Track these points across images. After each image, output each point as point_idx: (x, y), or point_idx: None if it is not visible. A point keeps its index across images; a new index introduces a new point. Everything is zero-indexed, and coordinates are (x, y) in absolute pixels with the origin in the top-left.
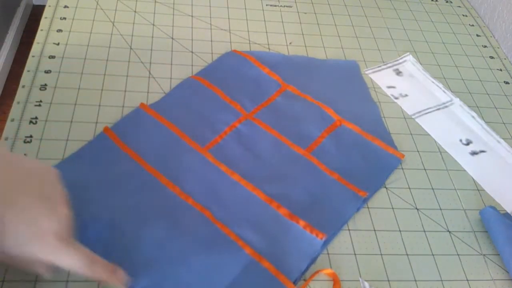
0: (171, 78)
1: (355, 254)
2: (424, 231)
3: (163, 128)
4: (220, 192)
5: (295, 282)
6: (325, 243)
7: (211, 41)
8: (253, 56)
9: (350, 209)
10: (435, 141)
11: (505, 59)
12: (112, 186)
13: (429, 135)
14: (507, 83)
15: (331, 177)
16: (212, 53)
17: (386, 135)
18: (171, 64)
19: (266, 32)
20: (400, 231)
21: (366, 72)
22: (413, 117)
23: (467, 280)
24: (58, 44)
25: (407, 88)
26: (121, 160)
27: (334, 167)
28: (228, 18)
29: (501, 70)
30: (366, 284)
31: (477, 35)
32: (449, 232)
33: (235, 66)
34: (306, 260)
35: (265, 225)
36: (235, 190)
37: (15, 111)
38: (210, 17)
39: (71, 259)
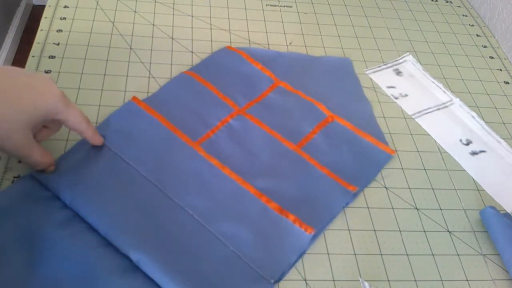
0: (171, 78)
1: (355, 254)
2: (424, 231)
3: (155, 121)
4: (210, 186)
5: (282, 275)
6: (314, 237)
7: (211, 41)
8: (246, 52)
9: (339, 203)
10: (435, 141)
11: (505, 59)
12: (102, 184)
13: (429, 135)
14: (507, 83)
15: (321, 172)
16: (212, 53)
17: (377, 131)
18: (171, 64)
19: (266, 32)
20: (400, 231)
21: (366, 72)
22: (413, 117)
23: (467, 280)
24: (58, 44)
25: (407, 88)
26: (109, 156)
27: (325, 162)
28: (228, 18)
29: (501, 70)
30: (366, 284)
31: (477, 35)
32: (449, 232)
33: (228, 62)
34: (294, 254)
35: (254, 219)
36: (225, 184)
37: None
38: (210, 17)
39: (77, 114)
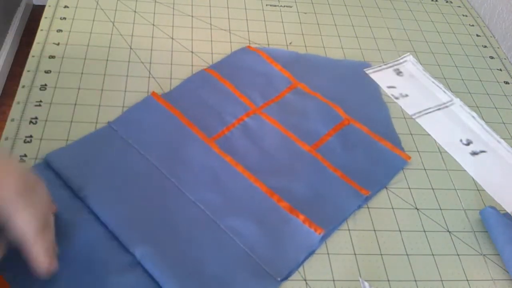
0: (171, 78)
1: (355, 254)
2: (424, 231)
3: (172, 116)
4: (222, 182)
5: (289, 274)
6: (323, 238)
7: (211, 41)
8: (266, 53)
9: (351, 206)
10: (435, 141)
11: (505, 59)
12: (114, 175)
13: (429, 135)
14: (507, 83)
15: (334, 174)
16: (212, 53)
17: (394, 137)
18: (171, 64)
19: (266, 32)
20: (400, 231)
21: (367, 72)
22: (413, 117)
23: (467, 280)
24: (58, 44)
25: (408, 88)
26: (124, 148)
27: (339, 165)
28: (228, 18)
29: (501, 70)
30: (366, 284)
31: (477, 35)
32: (449, 232)
33: (248, 62)
34: (303, 253)
35: (264, 217)
36: (237, 180)
37: (15, 111)
38: (210, 17)
39: (29, 219)
